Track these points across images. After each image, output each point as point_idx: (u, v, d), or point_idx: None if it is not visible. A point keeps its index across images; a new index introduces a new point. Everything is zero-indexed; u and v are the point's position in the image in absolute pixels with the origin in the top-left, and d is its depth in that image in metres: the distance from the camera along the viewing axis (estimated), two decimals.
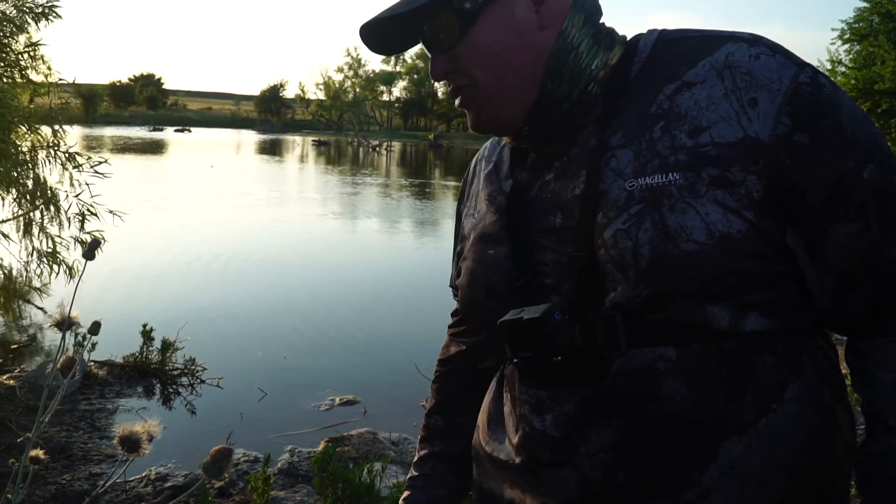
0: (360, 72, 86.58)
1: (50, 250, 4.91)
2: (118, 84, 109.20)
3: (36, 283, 5.17)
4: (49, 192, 4.86)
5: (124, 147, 34.55)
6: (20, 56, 4.66)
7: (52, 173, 4.92)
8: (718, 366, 0.76)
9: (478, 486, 0.99)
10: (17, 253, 4.99)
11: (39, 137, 4.82)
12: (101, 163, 4.91)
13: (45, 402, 1.01)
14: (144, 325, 4.84)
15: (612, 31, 0.88)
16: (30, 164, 4.71)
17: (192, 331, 5.22)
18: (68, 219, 4.96)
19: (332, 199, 17.26)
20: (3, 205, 4.83)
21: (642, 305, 0.77)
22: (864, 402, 0.80)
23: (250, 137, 62.74)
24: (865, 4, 12.70)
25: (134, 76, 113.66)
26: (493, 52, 0.84)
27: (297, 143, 54.57)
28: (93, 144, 30.00)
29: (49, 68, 5.09)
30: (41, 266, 4.96)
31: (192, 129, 76.43)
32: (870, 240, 0.75)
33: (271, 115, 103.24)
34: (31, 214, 4.83)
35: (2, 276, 4.98)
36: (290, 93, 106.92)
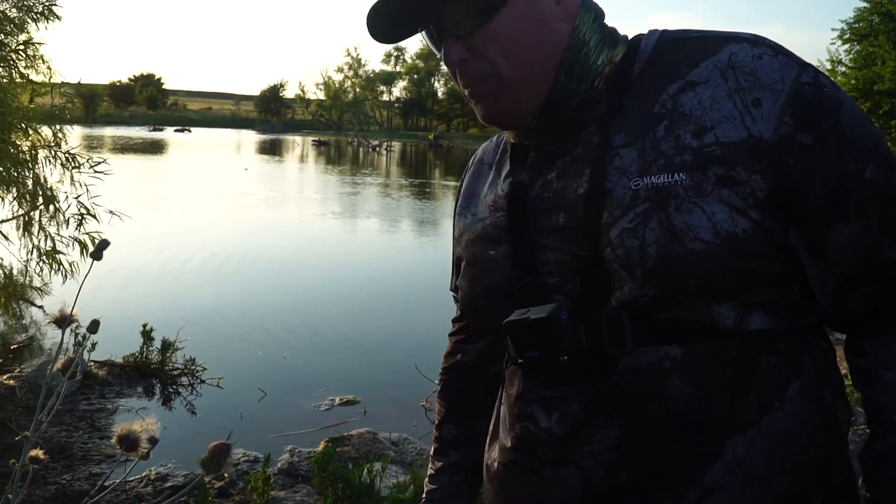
0: (360, 72, 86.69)
1: (50, 249, 4.91)
2: (118, 84, 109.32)
3: (36, 282, 5.17)
4: (49, 191, 4.86)
5: (125, 147, 34.56)
6: (16, 54, 4.65)
7: (52, 173, 4.92)
8: (723, 364, 0.77)
9: (486, 489, 0.98)
10: (16, 252, 4.99)
11: (39, 137, 4.82)
12: (99, 163, 4.91)
13: (44, 402, 1.00)
14: (144, 325, 4.84)
15: (614, 31, 0.89)
16: (30, 164, 4.71)
17: (191, 331, 5.22)
18: (66, 220, 4.96)
19: (332, 199, 17.27)
20: (3, 204, 4.83)
21: (649, 304, 0.77)
22: (865, 401, 0.80)
23: (250, 137, 62.77)
24: (865, 4, 12.71)
25: (134, 76, 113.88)
26: (517, 40, 0.82)
27: (297, 144, 54.58)
28: (93, 144, 29.99)
29: (49, 68, 5.09)
30: (41, 264, 4.95)
31: (192, 129, 76.49)
32: (870, 239, 0.76)
33: (271, 115, 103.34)
34: (31, 214, 4.83)
35: (1, 275, 4.98)
36: (290, 93, 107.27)
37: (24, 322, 5.73)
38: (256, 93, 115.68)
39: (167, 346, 4.83)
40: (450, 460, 1.11)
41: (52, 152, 4.81)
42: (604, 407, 0.79)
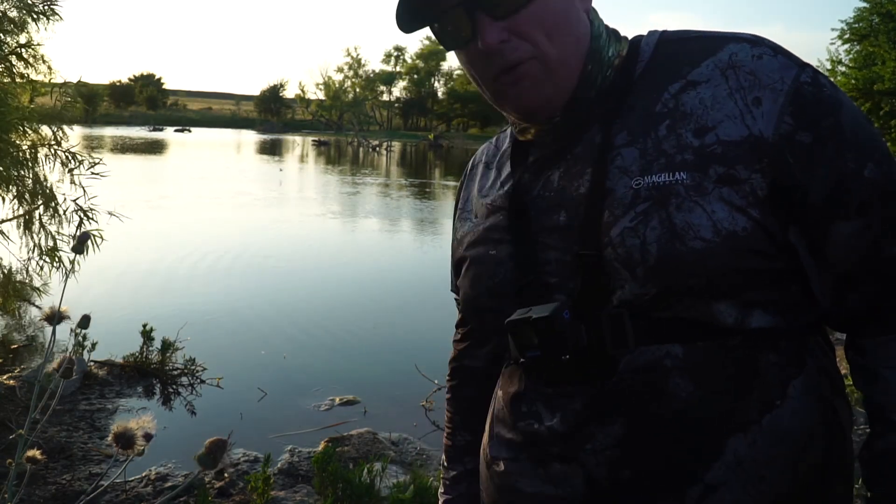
0: (360, 72, 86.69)
1: (50, 247, 4.91)
2: (118, 84, 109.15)
3: (36, 281, 5.17)
4: (49, 190, 4.86)
5: (125, 147, 34.57)
6: (15, 53, 4.65)
7: (52, 172, 4.92)
8: (724, 363, 0.77)
9: (485, 486, 0.98)
10: (16, 251, 4.99)
11: (40, 137, 4.81)
12: (95, 163, 4.90)
13: (37, 401, 1.00)
14: (144, 325, 4.84)
15: (615, 30, 0.90)
16: (29, 163, 4.70)
17: (191, 331, 5.22)
18: (67, 220, 4.96)
19: (331, 199, 17.27)
20: (3, 204, 4.83)
21: (650, 303, 0.77)
22: (866, 400, 0.80)
23: (250, 137, 62.76)
24: (865, 4, 12.73)
25: (134, 76, 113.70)
26: (559, 21, 0.81)
27: (297, 143, 54.57)
28: (93, 144, 29.98)
29: (49, 68, 5.09)
30: (41, 263, 4.95)
31: (192, 129, 76.46)
32: (870, 238, 0.76)
33: (271, 115, 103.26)
34: (32, 212, 4.82)
35: (1, 275, 4.97)
36: (290, 93, 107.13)
37: (24, 322, 5.73)
38: (256, 93, 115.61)
39: (167, 345, 4.83)
40: (466, 468, 1.11)
41: (52, 150, 4.81)
42: (605, 405, 0.79)
